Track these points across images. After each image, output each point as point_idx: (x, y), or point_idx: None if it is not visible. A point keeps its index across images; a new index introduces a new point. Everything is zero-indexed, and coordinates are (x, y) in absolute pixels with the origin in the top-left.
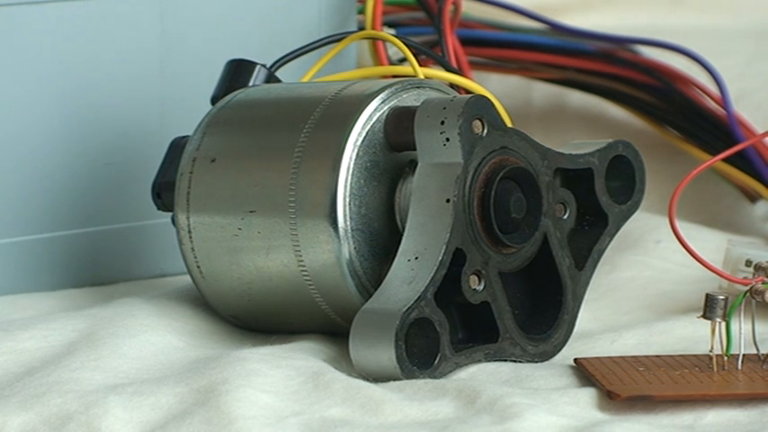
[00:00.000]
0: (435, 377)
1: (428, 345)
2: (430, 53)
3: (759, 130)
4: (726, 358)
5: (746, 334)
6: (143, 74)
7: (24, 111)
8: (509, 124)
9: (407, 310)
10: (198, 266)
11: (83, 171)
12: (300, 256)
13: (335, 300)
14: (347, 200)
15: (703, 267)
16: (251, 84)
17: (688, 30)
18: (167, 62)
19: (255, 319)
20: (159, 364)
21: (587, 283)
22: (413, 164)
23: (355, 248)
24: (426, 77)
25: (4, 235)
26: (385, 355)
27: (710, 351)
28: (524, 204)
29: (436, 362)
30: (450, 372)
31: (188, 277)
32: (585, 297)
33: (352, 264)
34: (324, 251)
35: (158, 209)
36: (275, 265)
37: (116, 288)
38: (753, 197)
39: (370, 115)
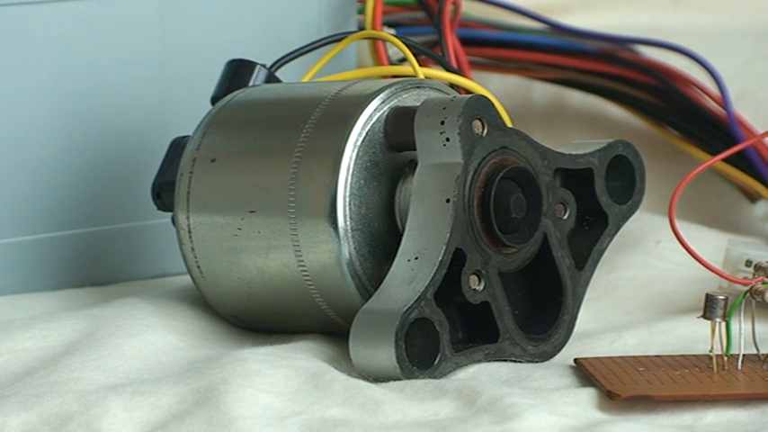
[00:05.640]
0: (435, 377)
1: (428, 345)
2: (430, 53)
3: (759, 130)
4: (726, 358)
5: (746, 334)
6: (143, 74)
7: (24, 111)
8: (509, 124)
9: (407, 310)
10: (198, 266)
11: (83, 171)
12: (300, 256)
13: (335, 300)
14: (347, 200)
15: (703, 267)
16: (251, 84)
17: (688, 30)
18: (167, 62)
19: (255, 319)
20: (159, 364)
21: (587, 283)
22: (413, 164)
23: (355, 248)
24: (426, 77)
25: (4, 235)
26: (385, 355)
27: (710, 351)
28: (524, 204)
29: (436, 362)
30: (450, 372)
31: (188, 277)
32: (585, 297)
33: (352, 264)
34: (324, 251)
35: (158, 209)
36: (275, 265)
37: (116, 288)
38: (753, 197)
39: (371, 115)
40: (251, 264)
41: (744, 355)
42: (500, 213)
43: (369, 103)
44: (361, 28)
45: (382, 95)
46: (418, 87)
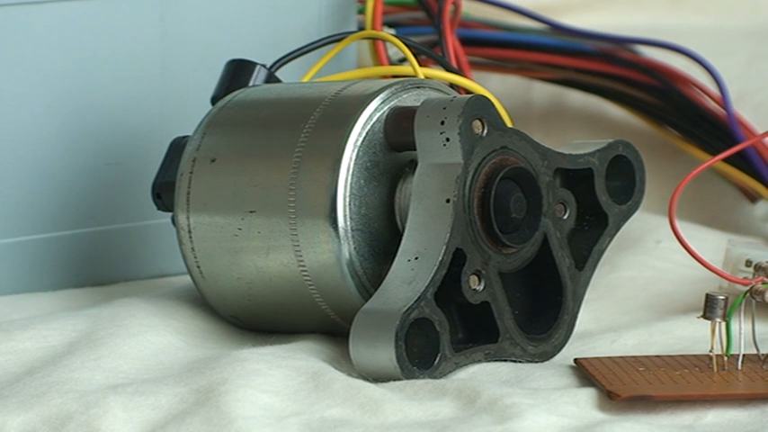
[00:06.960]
0: (435, 377)
1: (428, 345)
2: (430, 53)
3: (759, 130)
4: (726, 358)
5: (746, 334)
6: (143, 74)
7: (24, 111)
8: (509, 124)
9: (407, 310)
10: (198, 266)
11: (83, 171)
12: (300, 256)
13: (335, 300)
14: (347, 200)
15: (703, 267)
16: (251, 84)
17: (688, 30)
18: (167, 62)
19: (255, 319)
20: (159, 364)
21: (587, 283)
22: (413, 164)
23: (355, 248)
24: (426, 77)
25: (4, 235)
26: (385, 355)
27: (710, 351)
28: (524, 204)
29: (436, 362)
30: (450, 372)
31: (188, 277)
32: (585, 297)
33: (352, 264)
34: (324, 251)
35: (158, 209)
36: (275, 265)
37: (116, 288)
38: (753, 197)
39: (371, 115)
40: (251, 264)
41: (744, 355)
42: (500, 213)
43: (369, 103)
44: (361, 28)
45: (382, 95)
46: (418, 87)
